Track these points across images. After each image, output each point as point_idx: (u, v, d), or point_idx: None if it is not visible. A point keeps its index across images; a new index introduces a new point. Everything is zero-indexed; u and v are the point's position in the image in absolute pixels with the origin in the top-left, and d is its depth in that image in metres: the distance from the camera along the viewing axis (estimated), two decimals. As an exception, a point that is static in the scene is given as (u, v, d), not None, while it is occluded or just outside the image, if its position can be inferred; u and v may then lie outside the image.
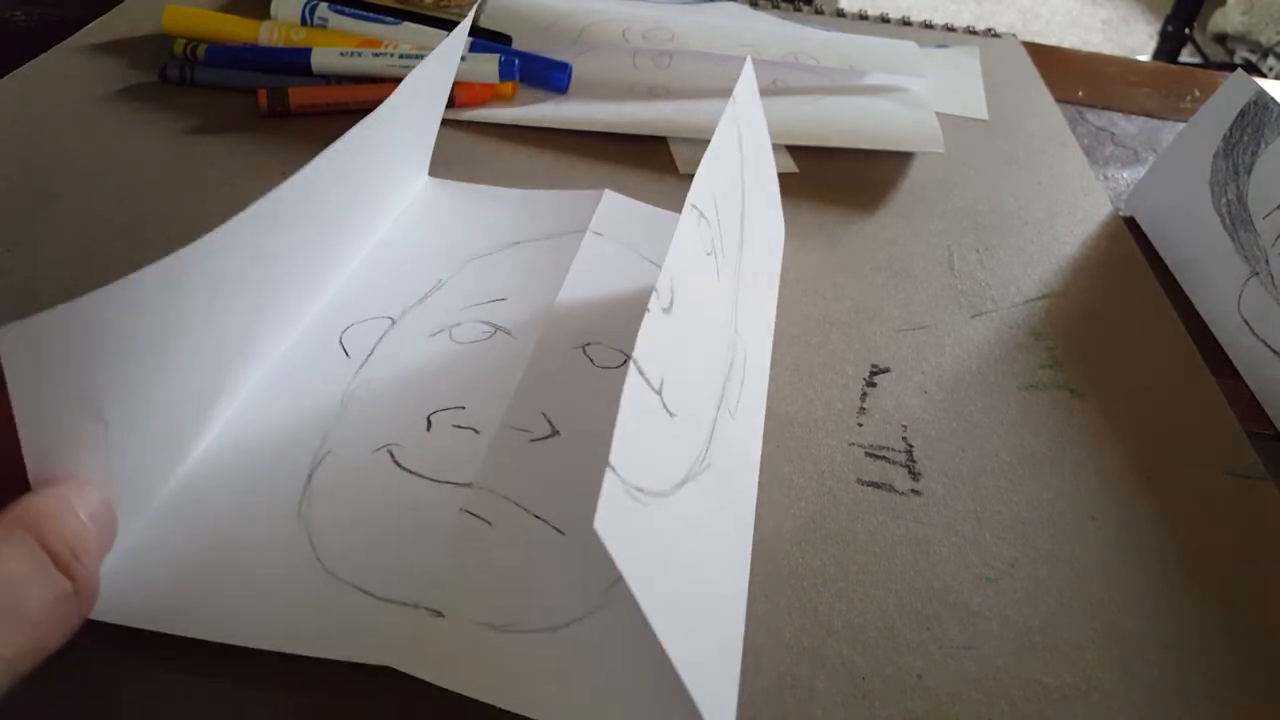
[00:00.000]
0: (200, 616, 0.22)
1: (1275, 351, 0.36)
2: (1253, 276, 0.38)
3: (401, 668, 0.21)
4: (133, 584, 0.23)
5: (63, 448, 0.20)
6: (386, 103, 0.29)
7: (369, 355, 0.30)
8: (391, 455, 0.27)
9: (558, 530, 0.25)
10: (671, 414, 0.24)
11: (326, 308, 0.32)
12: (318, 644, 0.22)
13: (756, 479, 0.29)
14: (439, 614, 0.23)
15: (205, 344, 0.25)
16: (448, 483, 0.26)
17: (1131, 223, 0.46)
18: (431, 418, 0.28)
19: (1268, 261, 0.38)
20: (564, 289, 0.32)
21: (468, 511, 0.25)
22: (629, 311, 0.33)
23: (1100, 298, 0.40)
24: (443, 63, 0.35)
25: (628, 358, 0.30)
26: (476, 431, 0.27)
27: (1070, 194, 0.47)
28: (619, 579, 0.24)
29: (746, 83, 0.33)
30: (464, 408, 0.28)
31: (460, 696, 0.21)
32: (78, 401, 0.20)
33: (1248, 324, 0.38)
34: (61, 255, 0.34)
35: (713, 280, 0.28)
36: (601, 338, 0.31)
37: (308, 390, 0.29)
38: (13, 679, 0.18)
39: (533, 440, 0.27)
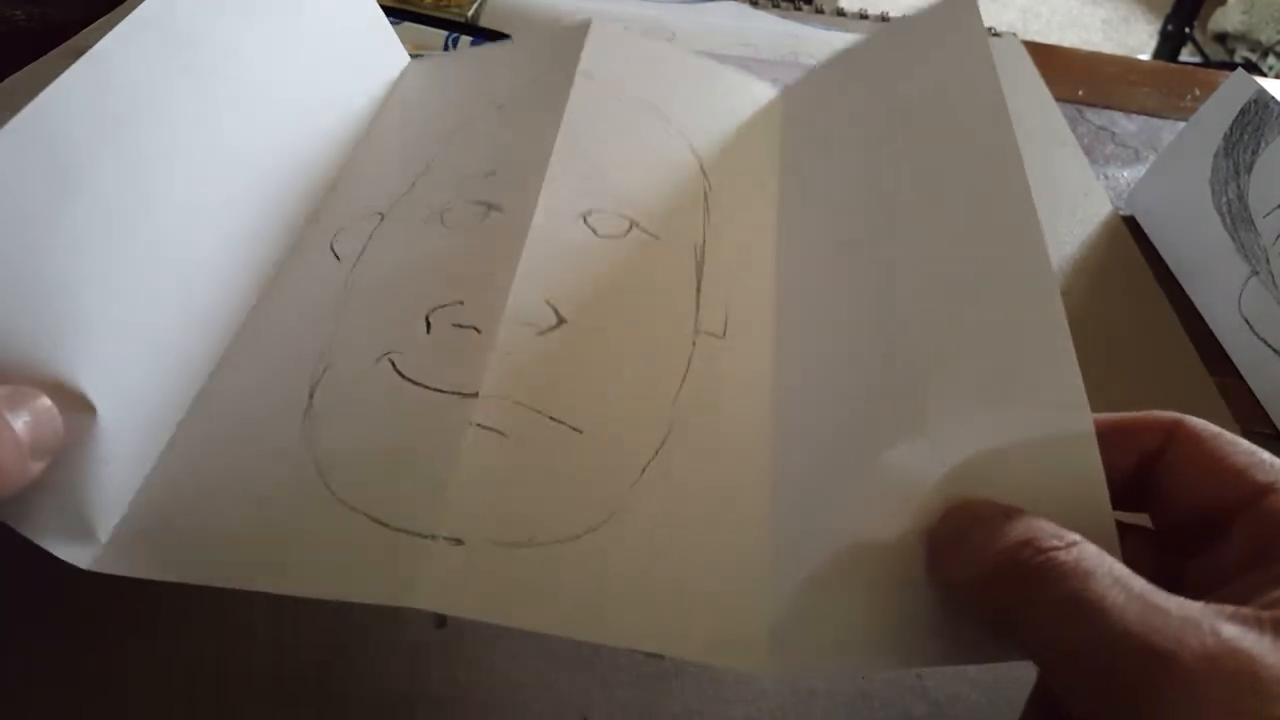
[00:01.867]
0: (213, 562, 0.21)
1: (1276, 351, 0.36)
2: (1253, 276, 0.38)
3: (429, 607, 0.20)
4: (142, 532, 0.22)
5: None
6: None
7: (360, 255, 0.28)
8: (393, 364, 0.25)
9: (575, 429, 0.24)
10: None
11: (315, 218, 0.30)
12: (337, 585, 0.21)
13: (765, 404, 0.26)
14: (458, 541, 0.21)
15: (166, 218, 0.24)
16: (455, 393, 0.24)
17: (1131, 222, 0.46)
18: (430, 317, 0.26)
19: (1268, 261, 0.38)
20: (556, 151, 0.29)
21: (480, 425, 0.23)
22: (629, 168, 0.30)
23: (1100, 298, 0.40)
24: None
25: (633, 224, 0.28)
26: (478, 331, 0.25)
27: (1070, 194, 0.47)
28: (643, 473, 0.23)
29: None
30: (463, 303, 0.26)
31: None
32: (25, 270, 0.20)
33: (1248, 323, 0.38)
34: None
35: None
36: (602, 203, 0.29)
37: (302, 304, 0.27)
38: None
39: (539, 334, 0.25)
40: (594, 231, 0.28)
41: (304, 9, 0.32)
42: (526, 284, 0.26)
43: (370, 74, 0.35)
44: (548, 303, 0.26)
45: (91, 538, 0.22)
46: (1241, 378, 0.37)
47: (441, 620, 0.25)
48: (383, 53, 0.36)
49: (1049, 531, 0.17)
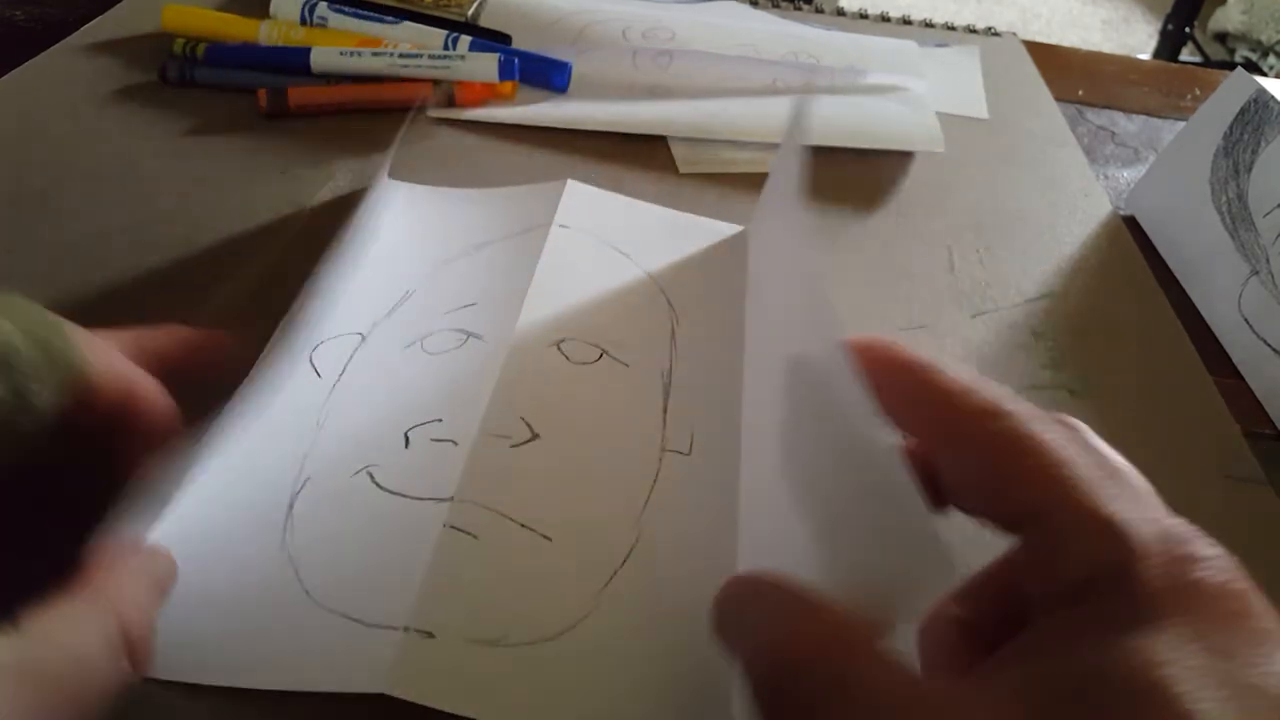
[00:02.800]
0: (192, 660, 0.22)
1: (1276, 350, 0.36)
2: (1253, 275, 0.38)
3: (395, 693, 0.21)
4: None
5: None
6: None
7: (341, 374, 0.30)
8: (371, 477, 0.26)
9: (545, 537, 0.25)
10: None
11: (294, 327, 0.31)
12: (310, 678, 0.22)
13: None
14: (429, 635, 0.22)
15: None
16: (430, 499, 0.25)
17: (1131, 222, 0.46)
18: (409, 434, 0.27)
19: (1268, 260, 0.38)
20: (533, 287, 0.32)
21: (452, 527, 0.25)
22: (600, 304, 0.33)
23: (1100, 298, 0.40)
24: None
25: (603, 352, 0.31)
26: (455, 444, 0.27)
27: (1070, 194, 0.47)
28: (611, 580, 0.25)
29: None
30: (441, 420, 0.28)
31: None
32: None
33: (1248, 323, 0.38)
34: (62, 256, 0.34)
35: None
36: (575, 333, 0.31)
37: (282, 416, 0.28)
38: None
39: (513, 446, 0.27)
40: (567, 357, 0.30)
41: None
42: (502, 400, 0.28)
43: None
44: (522, 419, 0.28)
45: None
46: (1241, 378, 0.37)
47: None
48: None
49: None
